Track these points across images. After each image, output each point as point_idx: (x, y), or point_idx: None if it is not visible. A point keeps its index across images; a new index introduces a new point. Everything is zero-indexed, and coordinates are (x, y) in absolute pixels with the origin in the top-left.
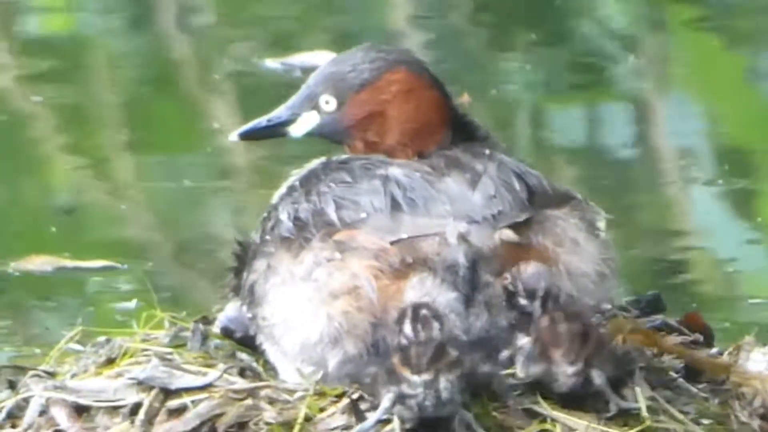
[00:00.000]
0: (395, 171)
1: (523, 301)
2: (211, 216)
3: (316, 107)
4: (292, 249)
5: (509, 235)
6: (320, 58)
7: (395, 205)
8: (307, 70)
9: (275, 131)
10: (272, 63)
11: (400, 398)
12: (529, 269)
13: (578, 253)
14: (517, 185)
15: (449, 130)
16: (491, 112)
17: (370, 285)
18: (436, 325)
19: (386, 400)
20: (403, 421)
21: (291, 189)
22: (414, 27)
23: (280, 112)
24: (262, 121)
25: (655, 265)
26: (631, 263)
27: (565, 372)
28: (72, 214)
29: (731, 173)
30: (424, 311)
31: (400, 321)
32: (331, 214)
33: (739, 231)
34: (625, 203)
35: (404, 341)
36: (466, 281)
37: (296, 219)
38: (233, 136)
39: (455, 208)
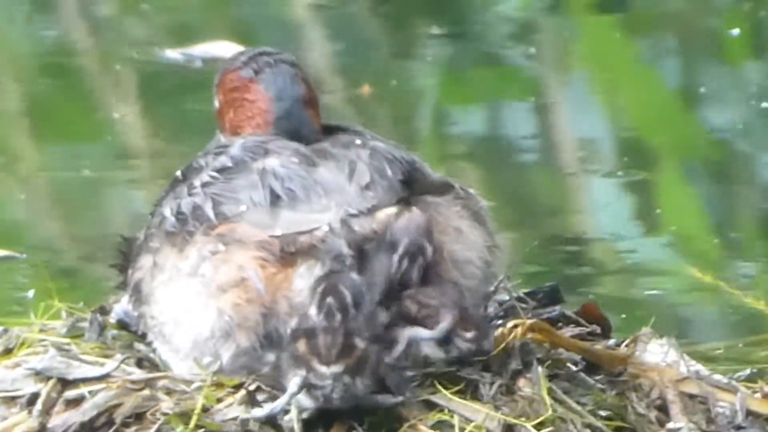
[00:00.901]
0: (272, 162)
1: (395, 257)
2: (111, 205)
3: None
4: (176, 244)
5: (388, 211)
6: (221, 49)
7: (274, 198)
8: (208, 61)
9: None
10: (173, 53)
11: (307, 386)
12: (401, 221)
13: (461, 241)
14: (389, 172)
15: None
16: (392, 103)
17: (257, 275)
18: (341, 314)
19: (293, 384)
20: (301, 411)
21: (174, 182)
22: (315, 17)
23: None
24: None
25: (554, 256)
26: (530, 254)
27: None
28: None
29: (631, 164)
30: (329, 299)
31: (302, 306)
32: (209, 211)
33: (637, 223)
34: (524, 195)
35: (310, 325)
36: (354, 268)
37: (179, 214)
38: None
39: (333, 199)
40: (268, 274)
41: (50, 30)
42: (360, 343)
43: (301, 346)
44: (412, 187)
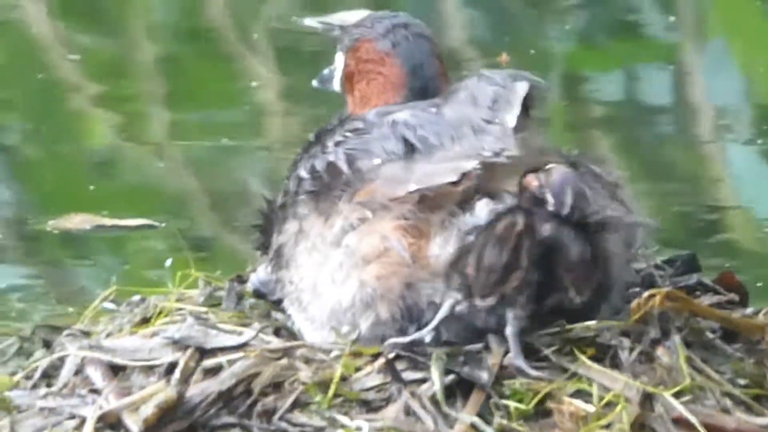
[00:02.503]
0: (402, 115)
1: (551, 208)
2: (248, 174)
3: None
4: (323, 212)
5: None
6: (359, 17)
7: (408, 148)
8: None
9: (325, 85)
10: (311, 21)
11: (458, 315)
12: (555, 173)
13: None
14: (509, 82)
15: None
16: (529, 70)
17: (400, 245)
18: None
19: (445, 308)
20: (444, 377)
21: (308, 145)
22: None
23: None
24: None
25: (692, 224)
26: (668, 222)
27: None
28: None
29: None
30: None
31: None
32: (343, 166)
33: None
34: (662, 162)
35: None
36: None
37: (314, 173)
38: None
39: (465, 140)
40: (411, 240)
41: None
42: (515, 279)
43: (458, 273)
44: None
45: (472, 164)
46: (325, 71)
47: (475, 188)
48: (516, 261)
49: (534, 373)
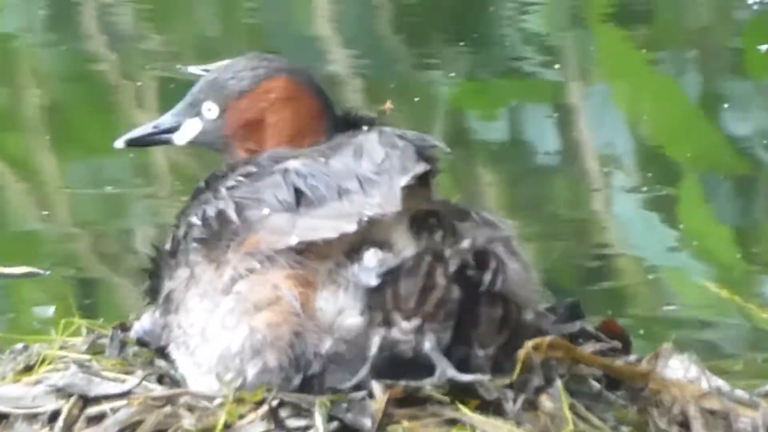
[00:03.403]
0: (293, 163)
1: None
2: (133, 222)
3: (198, 114)
4: (213, 259)
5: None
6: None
7: (299, 196)
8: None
9: (160, 138)
10: (195, 69)
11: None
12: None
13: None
14: (401, 143)
15: (330, 135)
16: (414, 119)
17: (291, 294)
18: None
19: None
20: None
21: (198, 191)
22: (337, 32)
23: (164, 119)
24: (147, 127)
25: (576, 270)
26: (551, 269)
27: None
28: None
29: (655, 180)
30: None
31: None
32: (232, 215)
33: (660, 238)
34: (548, 209)
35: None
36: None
37: (204, 220)
38: (119, 143)
39: (348, 195)
40: (300, 290)
41: (70, 42)
42: (434, 298)
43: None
44: (430, 162)
45: (352, 227)
46: (150, 128)
47: (361, 238)
48: (432, 281)
49: (467, 377)
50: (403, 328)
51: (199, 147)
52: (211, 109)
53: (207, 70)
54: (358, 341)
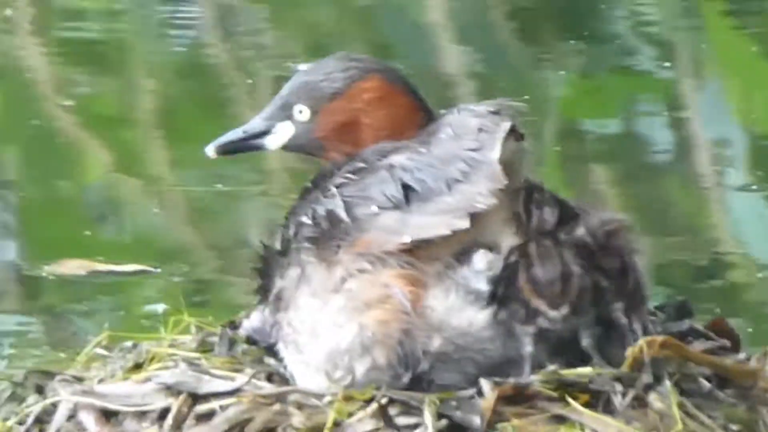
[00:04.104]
0: (398, 158)
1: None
2: (245, 220)
3: (290, 118)
4: (322, 259)
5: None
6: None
7: (407, 191)
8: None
9: (252, 144)
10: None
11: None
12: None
13: None
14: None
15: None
16: (527, 115)
17: (401, 292)
18: None
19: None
20: None
21: (306, 191)
22: (450, 28)
23: (254, 123)
24: (237, 132)
25: (685, 269)
26: (662, 268)
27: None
28: (104, 221)
29: (765, 178)
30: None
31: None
32: (342, 214)
33: None
34: (659, 206)
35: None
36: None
37: (315, 219)
38: (209, 151)
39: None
40: (410, 288)
41: (185, 39)
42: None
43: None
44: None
45: (464, 223)
46: (241, 132)
47: (470, 240)
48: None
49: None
50: (551, 317)
51: (291, 151)
52: (302, 112)
53: None
54: (480, 338)
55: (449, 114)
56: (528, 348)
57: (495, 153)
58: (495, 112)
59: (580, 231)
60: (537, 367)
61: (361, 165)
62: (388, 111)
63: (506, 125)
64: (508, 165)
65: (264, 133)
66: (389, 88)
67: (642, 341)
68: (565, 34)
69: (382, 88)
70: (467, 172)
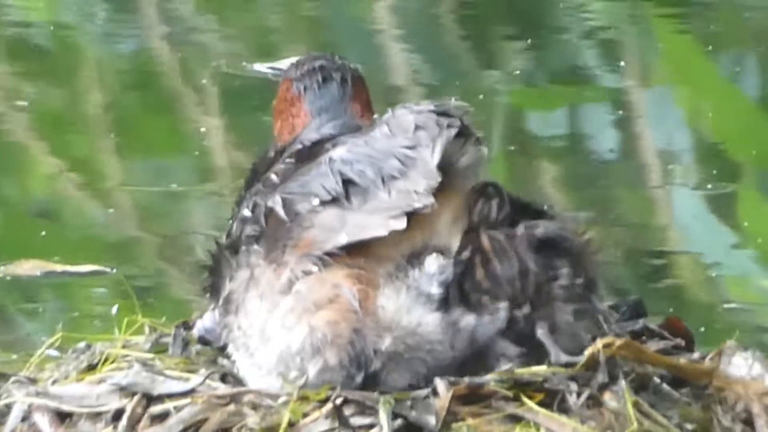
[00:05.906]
0: (338, 151)
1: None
2: (197, 220)
3: None
4: (270, 261)
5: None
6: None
7: (347, 184)
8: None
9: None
10: (260, 67)
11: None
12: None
13: None
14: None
15: None
16: (476, 117)
17: (350, 292)
18: None
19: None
20: None
21: (249, 180)
22: (397, 30)
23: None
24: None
25: (638, 268)
26: (613, 267)
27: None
28: (58, 222)
29: (717, 177)
30: None
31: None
32: (281, 212)
33: (723, 235)
34: (608, 206)
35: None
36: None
37: (255, 217)
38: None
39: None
40: (359, 287)
41: (131, 40)
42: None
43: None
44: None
45: (401, 224)
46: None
47: (421, 241)
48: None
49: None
50: (516, 316)
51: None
52: None
53: (273, 68)
54: (430, 339)
55: (389, 112)
56: (482, 346)
57: (432, 151)
58: (436, 111)
59: (538, 229)
60: (492, 365)
61: (299, 146)
62: (285, 116)
63: (446, 122)
64: (450, 165)
65: None
66: (288, 95)
67: (599, 342)
68: (513, 37)
69: (286, 93)
70: (403, 169)
